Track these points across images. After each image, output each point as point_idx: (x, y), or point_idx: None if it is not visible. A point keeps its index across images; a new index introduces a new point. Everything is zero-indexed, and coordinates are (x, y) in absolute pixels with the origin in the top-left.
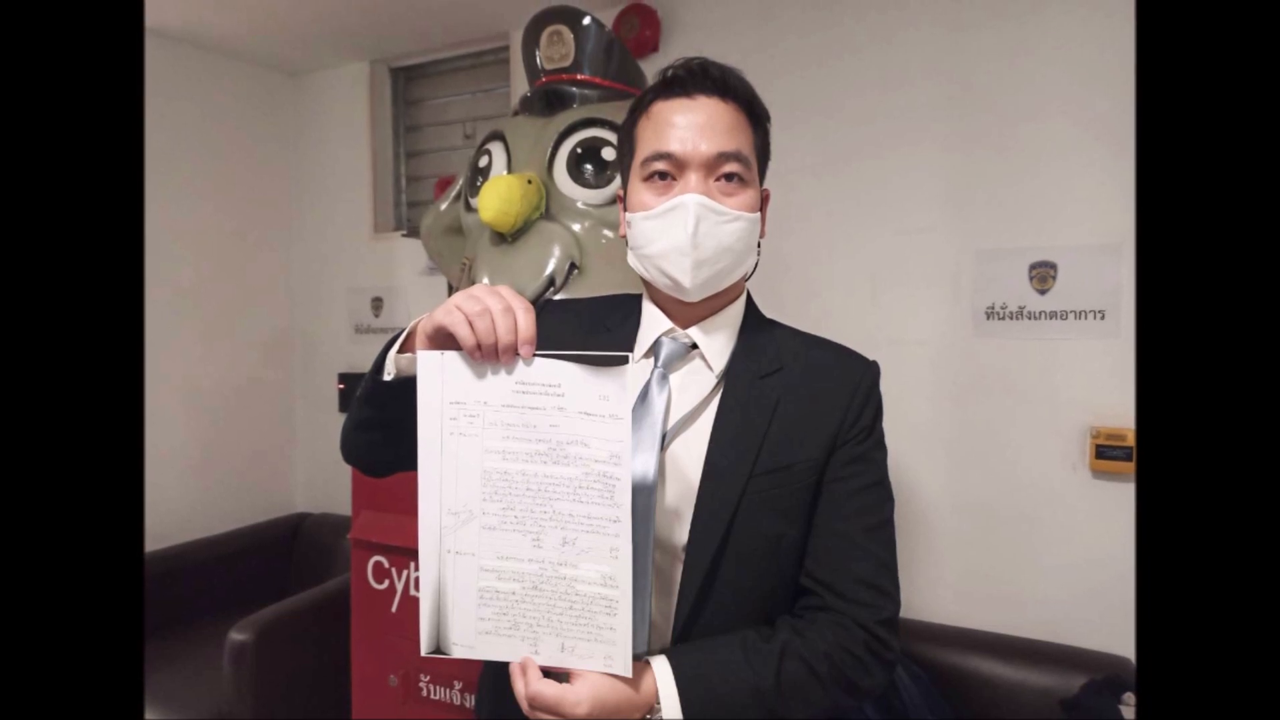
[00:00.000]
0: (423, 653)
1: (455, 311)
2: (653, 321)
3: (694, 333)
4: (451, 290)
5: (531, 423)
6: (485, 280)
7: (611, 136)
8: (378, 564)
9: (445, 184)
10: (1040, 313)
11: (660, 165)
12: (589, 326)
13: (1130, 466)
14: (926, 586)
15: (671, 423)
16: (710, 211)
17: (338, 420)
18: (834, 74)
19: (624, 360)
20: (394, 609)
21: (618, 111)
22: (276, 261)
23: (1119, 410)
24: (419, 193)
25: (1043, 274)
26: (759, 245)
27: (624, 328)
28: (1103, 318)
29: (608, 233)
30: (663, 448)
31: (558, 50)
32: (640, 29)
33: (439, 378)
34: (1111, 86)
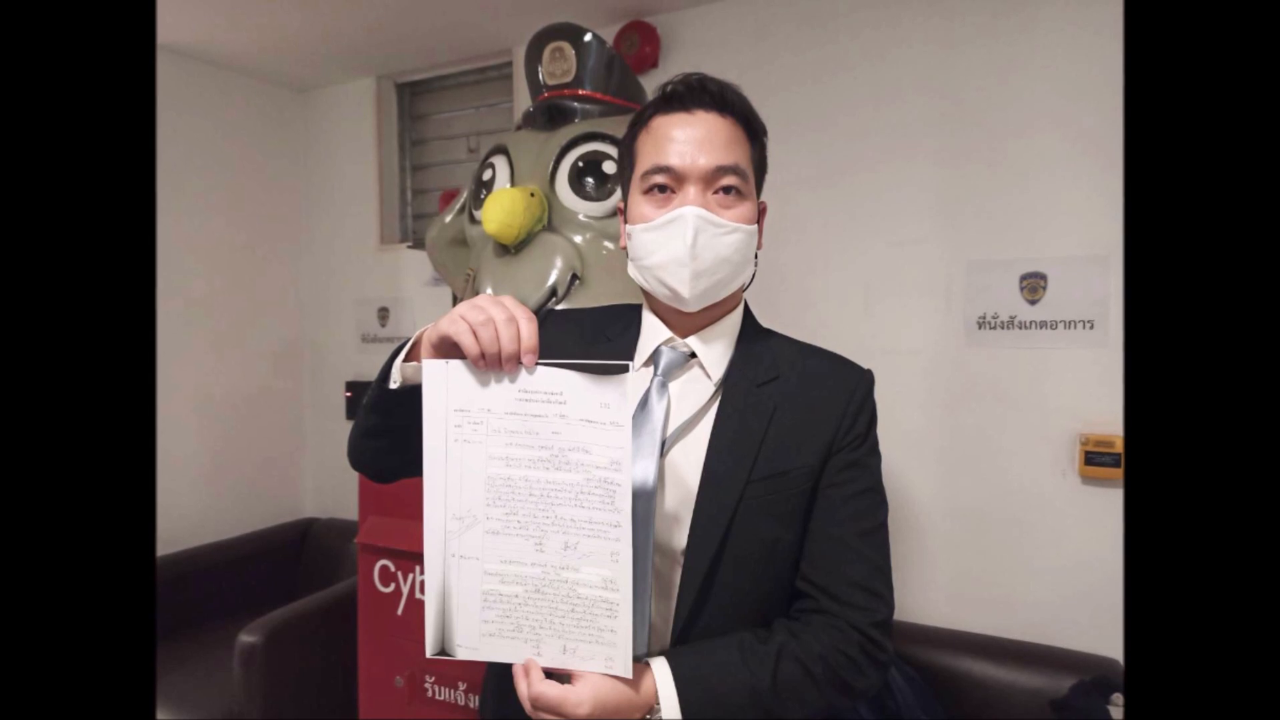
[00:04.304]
0: (428, 654)
1: (460, 321)
2: (652, 331)
3: (693, 342)
4: (456, 301)
5: (534, 430)
6: (489, 290)
7: (612, 150)
8: (384, 568)
9: (450, 197)
10: (1030, 322)
11: (660, 178)
12: (590, 336)
13: (1118, 472)
14: (919, 589)
15: (671, 430)
16: (708, 224)
17: (345, 428)
18: (829, 90)
19: (624, 369)
20: (400, 611)
21: (618, 126)
22: (286, 273)
23: (1107, 418)
24: (424, 205)
25: (1033, 284)
26: (756, 256)
27: (624, 337)
28: (1091, 327)
29: (608, 244)
30: (662, 454)
31: (560, 66)
32: (640, 46)
33: (444, 386)
34: (1099, 102)
